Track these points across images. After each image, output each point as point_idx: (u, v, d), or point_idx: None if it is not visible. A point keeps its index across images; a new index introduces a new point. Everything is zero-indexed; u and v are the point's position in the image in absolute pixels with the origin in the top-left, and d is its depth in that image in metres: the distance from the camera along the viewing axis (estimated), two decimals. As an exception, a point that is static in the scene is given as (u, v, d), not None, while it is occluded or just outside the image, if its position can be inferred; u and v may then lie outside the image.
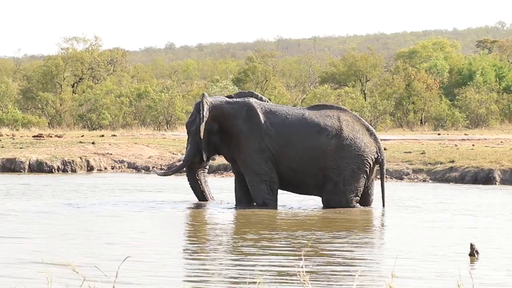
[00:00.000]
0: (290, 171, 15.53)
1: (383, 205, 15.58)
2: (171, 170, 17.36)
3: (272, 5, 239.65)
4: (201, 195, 16.31)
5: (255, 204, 15.67)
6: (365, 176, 15.46)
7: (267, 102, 16.36)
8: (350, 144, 15.41)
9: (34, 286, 8.11)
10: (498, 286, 8.53)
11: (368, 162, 15.45)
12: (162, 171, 17.14)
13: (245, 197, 15.91)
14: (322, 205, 15.64)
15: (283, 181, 15.68)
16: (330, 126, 15.50)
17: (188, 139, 16.47)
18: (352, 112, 16.33)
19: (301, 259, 6.25)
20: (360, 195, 15.55)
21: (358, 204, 15.51)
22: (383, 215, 15.03)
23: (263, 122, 15.60)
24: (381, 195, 15.62)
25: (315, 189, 15.66)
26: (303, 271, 5.94)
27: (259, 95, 16.65)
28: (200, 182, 16.33)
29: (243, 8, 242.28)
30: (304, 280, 5.83)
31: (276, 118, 15.66)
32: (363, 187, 15.53)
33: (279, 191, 15.84)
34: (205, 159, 16.23)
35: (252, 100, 15.95)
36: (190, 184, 16.41)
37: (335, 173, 15.31)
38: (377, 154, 15.59)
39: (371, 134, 15.76)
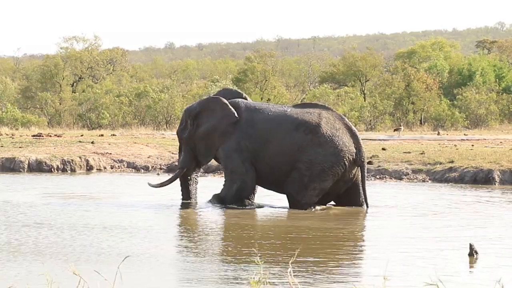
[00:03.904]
0: (268, 168, 15.37)
1: (367, 206, 15.35)
2: (167, 181, 16.63)
3: (272, 5, 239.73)
4: (187, 195, 16.26)
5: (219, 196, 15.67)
6: (334, 177, 15.05)
7: (247, 99, 16.30)
8: (326, 141, 15.08)
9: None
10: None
11: (343, 163, 15.07)
12: (158, 183, 16.75)
13: None
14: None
15: (262, 179, 15.58)
16: (308, 122, 15.25)
17: (180, 146, 16.49)
18: (337, 111, 16.02)
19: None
20: (320, 195, 15.21)
21: (315, 203, 15.24)
22: (365, 216, 14.85)
23: (244, 121, 15.60)
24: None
25: (288, 185, 15.34)
26: (291, 274, 5.93)
27: (236, 91, 16.70)
28: (191, 182, 16.33)
29: (243, 8, 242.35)
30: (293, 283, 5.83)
31: (258, 115, 15.63)
32: (327, 188, 15.16)
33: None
34: (206, 163, 16.36)
35: (239, 101, 16.01)
36: (181, 183, 16.38)
37: (306, 167, 15.02)
38: (356, 155, 15.20)
39: (352, 134, 15.38)
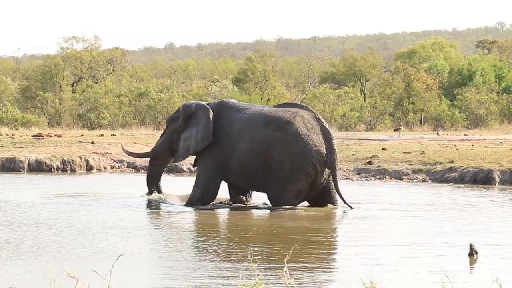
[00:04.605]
0: (241, 166, 15.36)
1: (350, 207, 15.09)
2: (136, 153, 17.98)
3: (272, 5, 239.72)
4: (150, 186, 16.74)
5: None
6: (308, 178, 14.93)
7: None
8: (295, 139, 14.95)
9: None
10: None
11: (313, 163, 14.90)
12: (128, 151, 17.70)
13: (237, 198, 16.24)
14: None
15: (237, 177, 15.60)
16: (278, 119, 15.16)
17: (164, 131, 16.87)
18: (315, 111, 15.82)
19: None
20: (301, 197, 15.13)
21: (296, 204, 15.17)
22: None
23: (226, 121, 15.72)
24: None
25: (263, 184, 15.35)
26: (286, 274, 5.92)
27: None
28: (158, 175, 16.78)
29: (242, 8, 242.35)
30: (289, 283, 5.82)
31: (237, 115, 15.74)
32: (305, 190, 15.06)
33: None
34: (178, 161, 16.83)
35: (228, 101, 16.28)
36: (148, 172, 16.91)
37: (278, 167, 14.97)
38: (326, 157, 14.97)
39: (326, 136, 15.17)
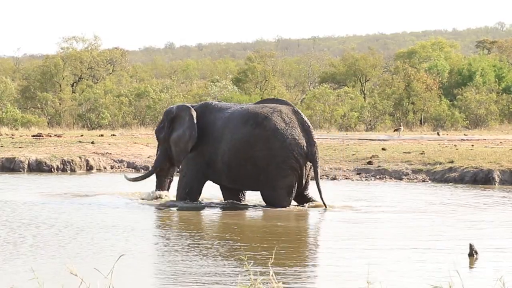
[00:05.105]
0: (226, 166, 15.43)
1: (324, 205, 15.08)
2: (140, 176, 17.31)
3: (272, 5, 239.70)
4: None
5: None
6: (295, 172, 14.93)
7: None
8: (274, 135, 14.99)
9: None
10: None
11: (295, 157, 14.93)
12: (132, 177, 17.23)
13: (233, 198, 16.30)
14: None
15: (222, 177, 15.67)
16: (257, 116, 15.21)
17: (158, 145, 16.88)
18: (293, 105, 15.81)
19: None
20: (293, 192, 15.11)
21: (290, 201, 15.16)
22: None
23: (209, 122, 15.81)
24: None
25: (248, 182, 15.42)
26: (273, 276, 5.92)
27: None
28: (167, 184, 16.75)
29: (242, 8, 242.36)
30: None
31: (219, 114, 15.83)
32: (295, 184, 15.06)
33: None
34: (178, 165, 16.62)
35: (211, 102, 16.39)
36: (157, 186, 16.74)
37: (263, 165, 15.02)
38: (307, 149, 14.99)
39: (305, 129, 15.19)
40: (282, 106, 15.51)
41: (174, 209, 15.27)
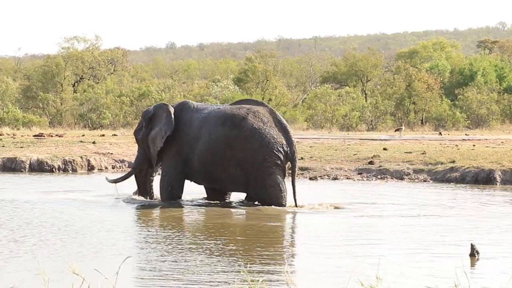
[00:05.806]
0: (203, 166, 15.52)
1: (296, 205, 15.05)
2: (120, 178, 17.20)
3: (273, 5, 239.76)
4: (144, 192, 16.70)
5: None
6: (279, 168, 14.99)
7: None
8: (252, 135, 15.09)
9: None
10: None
11: (276, 154, 14.99)
12: (113, 179, 17.20)
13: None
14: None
15: (200, 176, 15.78)
16: (234, 117, 15.31)
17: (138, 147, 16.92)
18: (269, 106, 15.91)
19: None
20: (284, 187, 15.07)
21: (285, 197, 15.11)
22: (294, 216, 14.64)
23: (186, 122, 15.88)
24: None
25: (230, 184, 15.51)
26: (287, 272, 5.94)
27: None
28: (148, 184, 16.69)
29: (244, 8, 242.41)
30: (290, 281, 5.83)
31: (196, 115, 15.92)
32: (283, 179, 15.09)
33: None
34: (156, 165, 16.61)
35: (188, 102, 16.44)
36: (138, 186, 16.76)
37: (248, 167, 15.07)
38: (287, 147, 15.07)
39: (282, 128, 15.26)
40: (258, 107, 15.64)
41: (174, 209, 15.25)
